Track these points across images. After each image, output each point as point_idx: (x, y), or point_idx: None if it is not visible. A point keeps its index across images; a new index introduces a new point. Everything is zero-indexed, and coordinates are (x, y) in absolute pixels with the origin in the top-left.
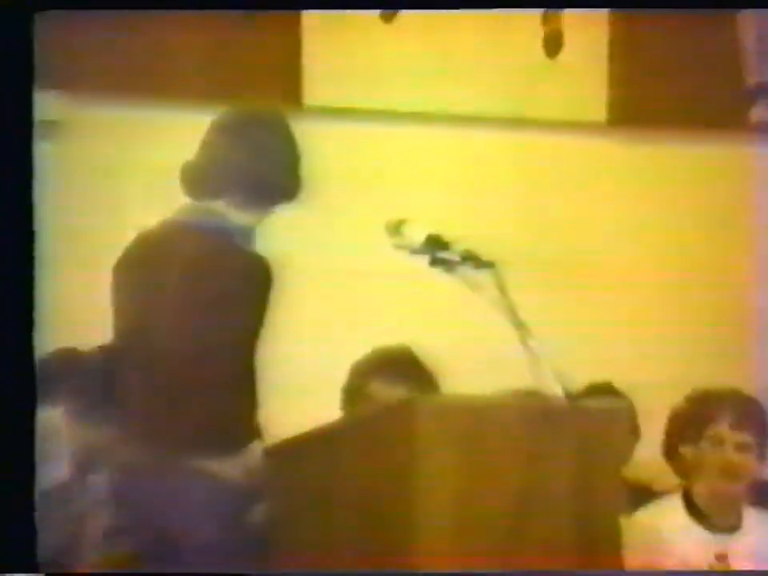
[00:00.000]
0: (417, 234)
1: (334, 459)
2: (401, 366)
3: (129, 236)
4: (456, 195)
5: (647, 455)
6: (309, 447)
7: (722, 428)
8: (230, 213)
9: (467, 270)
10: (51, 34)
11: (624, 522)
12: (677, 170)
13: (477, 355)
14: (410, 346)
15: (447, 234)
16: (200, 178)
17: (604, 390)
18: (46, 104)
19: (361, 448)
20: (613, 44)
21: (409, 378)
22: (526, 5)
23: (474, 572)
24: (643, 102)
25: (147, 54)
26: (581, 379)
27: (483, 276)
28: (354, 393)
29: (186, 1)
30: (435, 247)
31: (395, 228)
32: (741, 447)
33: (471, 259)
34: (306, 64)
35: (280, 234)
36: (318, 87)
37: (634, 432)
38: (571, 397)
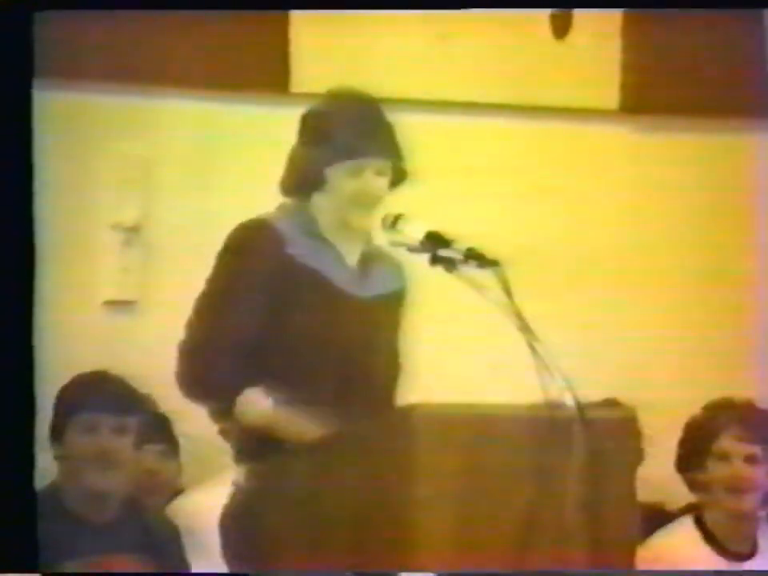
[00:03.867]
0: (415, 231)
1: (329, 471)
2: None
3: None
4: (456, 188)
5: (657, 472)
6: (303, 457)
7: (727, 442)
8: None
9: (470, 270)
10: (51, 33)
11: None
12: (690, 159)
13: (480, 361)
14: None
15: (448, 230)
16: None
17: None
18: (46, 103)
19: (357, 460)
20: (625, 29)
21: None
22: (535, 5)
23: (473, 572)
24: (656, 89)
25: (146, 53)
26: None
27: (487, 276)
28: None
29: (186, 1)
30: (436, 245)
31: (391, 223)
32: (749, 459)
33: (475, 258)
34: (293, 50)
35: None
36: (306, 73)
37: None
38: (581, 407)
